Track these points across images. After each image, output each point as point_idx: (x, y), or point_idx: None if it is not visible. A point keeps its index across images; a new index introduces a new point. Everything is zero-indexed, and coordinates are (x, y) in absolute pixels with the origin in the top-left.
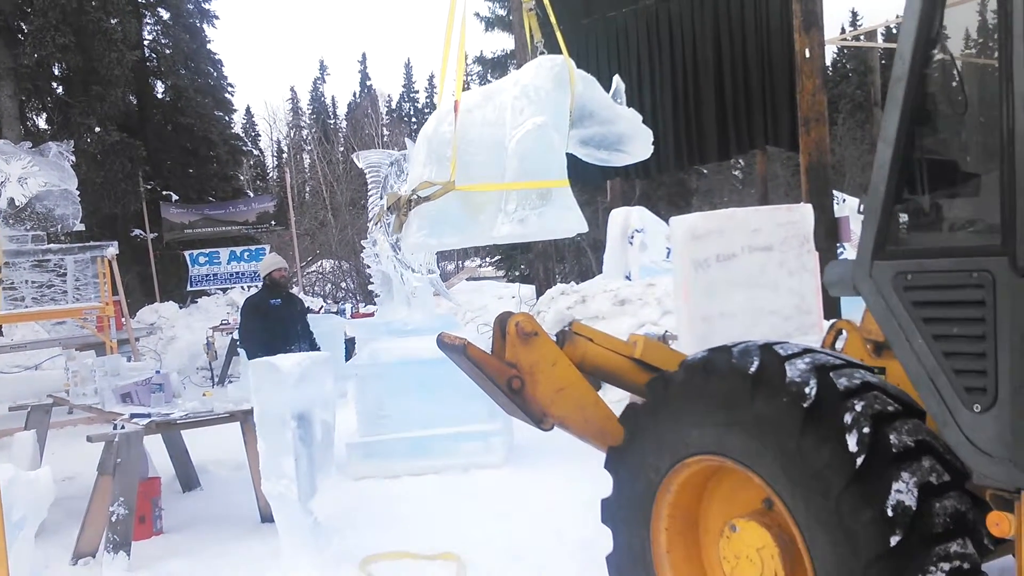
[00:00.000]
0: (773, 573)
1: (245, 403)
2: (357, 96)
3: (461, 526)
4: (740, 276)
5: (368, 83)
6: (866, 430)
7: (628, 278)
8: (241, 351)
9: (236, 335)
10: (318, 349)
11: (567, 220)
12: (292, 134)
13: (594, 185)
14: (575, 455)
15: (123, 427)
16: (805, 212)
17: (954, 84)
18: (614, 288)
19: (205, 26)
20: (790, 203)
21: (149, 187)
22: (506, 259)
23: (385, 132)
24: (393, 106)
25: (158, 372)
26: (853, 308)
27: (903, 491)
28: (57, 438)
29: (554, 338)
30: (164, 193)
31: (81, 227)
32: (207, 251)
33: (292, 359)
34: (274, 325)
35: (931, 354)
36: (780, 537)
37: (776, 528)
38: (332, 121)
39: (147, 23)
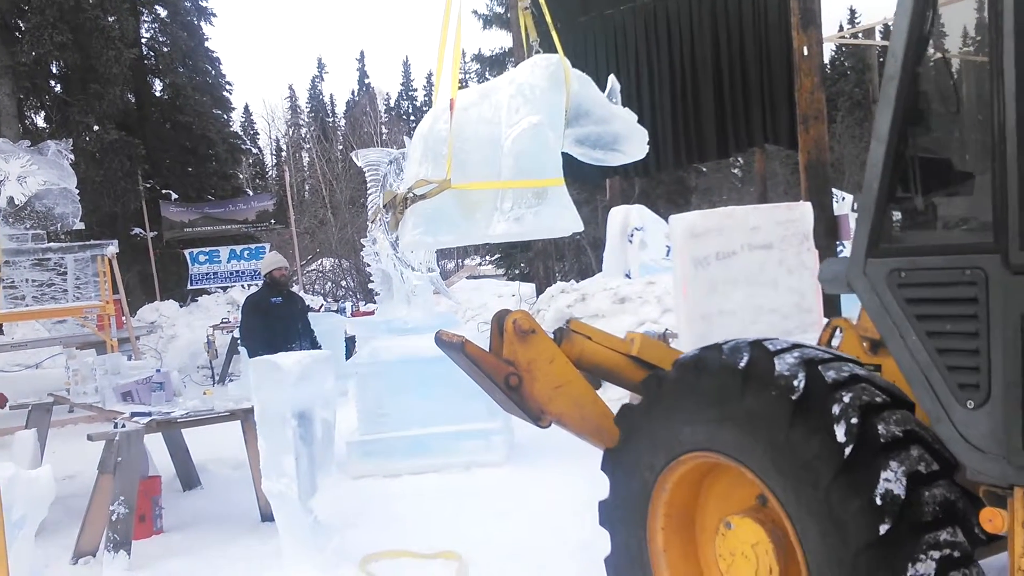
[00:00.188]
0: (768, 568)
1: (245, 402)
2: (355, 94)
3: (461, 525)
4: (740, 274)
5: (366, 81)
6: (854, 421)
7: (628, 276)
8: (242, 349)
9: (236, 333)
10: (319, 347)
11: (563, 219)
12: (291, 132)
13: (593, 183)
14: (576, 454)
15: (124, 426)
16: (804, 210)
17: (947, 82)
18: (614, 286)
19: (203, 24)
20: (789, 201)
21: (148, 185)
22: (506, 257)
23: (384, 130)
24: (391, 104)
25: (158, 371)
26: (853, 306)
27: (892, 480)
28: (58, 437)
29: (552, 336)
30: (163, 191)
31: (81, 226)
32: (207, 249)
33: (292, 357)
34: (275, 323)
35: (925, 351)
36: (774, 532)
37: (770, 524)
38: (331, 119)
39: (145, 21)
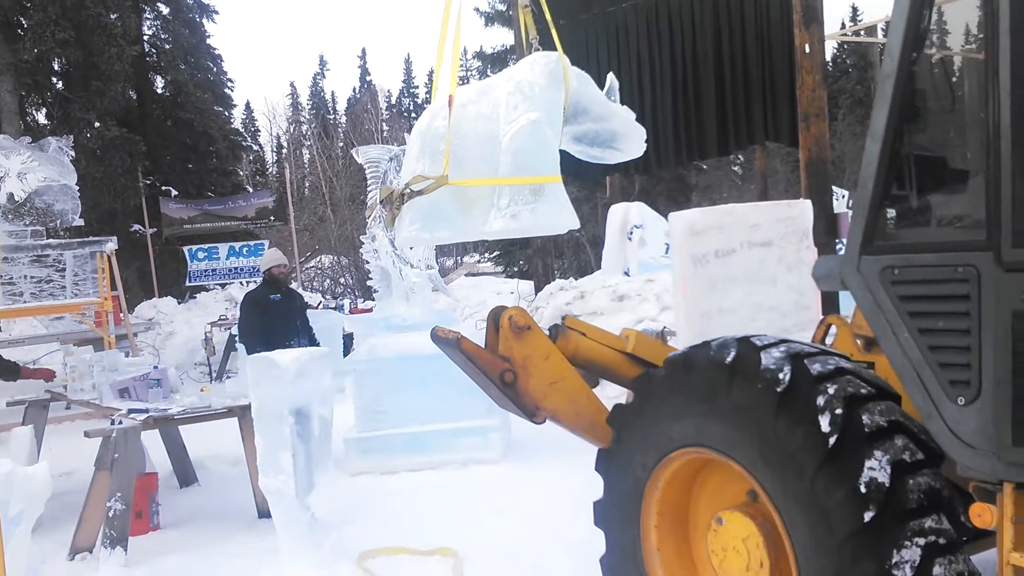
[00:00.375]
0: (759, 562)
1: (243, 398)
2: (357, 91)
3: (458, 522)
4: (739, 272)
5: (368, 78)
6: (839, 411)
7: (627, 274)
8: (239, 346)
9: (234, 330)
10: (317, 344)
11: (559, 216)
12: (291, 129)
13: (593, 181)
14: (572, 451)
15: (121, 422)
16: (804, 208)
17: (942, 81)
18: (613, 284)
19: (205, 21)
20: (789, 199)
21: (148, 182)
22: (505, 255)
23: (385, 127)
24: (393, 101)
25: (156, 367)
26: (851, 304)
27: (876, 469)
28: (54, 433)
29: (547, 332)
30: (163, 188)
31: (80, 222)
32: (206, 246)
33: (290, 354)
34: (274, 320)
35: (917, 347)
36: (764, 526)
37: (760, 518)
38: (332, 116)
39: (147, 18)
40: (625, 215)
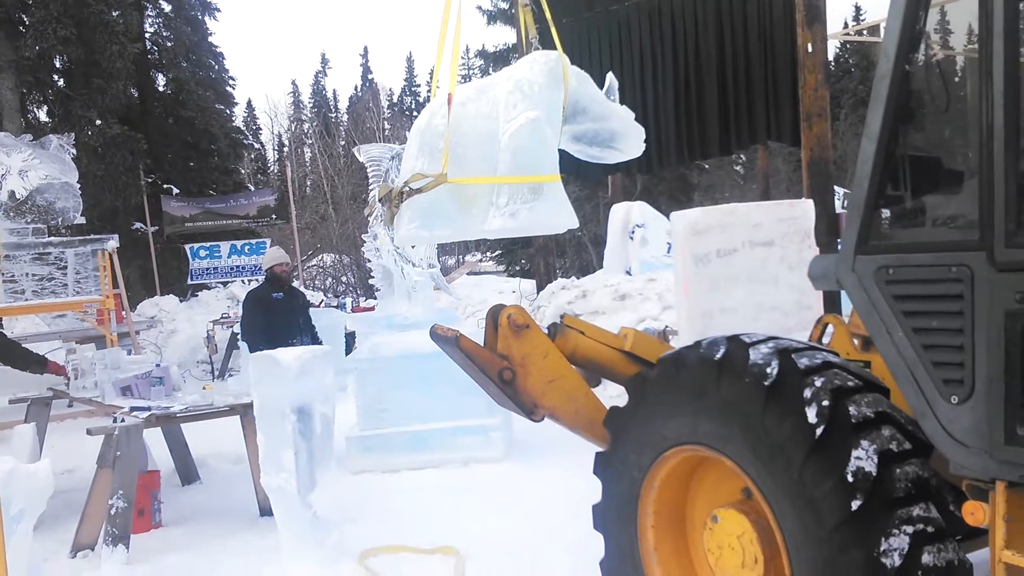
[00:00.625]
0: (753, 558)
1: (245, 396)
2: (359, 90)
3: (460, 520)
4: (741, 271)
5: (370, 77)
6: (825, 403)
7: (629, 273)
8: (241, 344)
9: (236, 329)
10: (320, 343)
11: (558, 215)
12: (293, 127)
13: (595, 180)
14: (575, 450)
15: (123, 420)
16: (806, 207)
17: (937, 82)
18: (614, 283)
19: (206, 19)
20: (791, 198)
21: (150, 180)
22: (507, 254)
23: (386, 126)
24: (395, 100)
25: (158, 365)
26: None
27: (863, 458)
28: (57, 431)
29: (546, 331)
30: (165, 186)
31: (82, 220)
32: (208, 244)
33: (292, 353)
34: (276, 318)
35: (911, 346)
36: (758, 522)
37: (754, 514)
38: (333, 115)
39: (148, 15)
40: (627, 214)
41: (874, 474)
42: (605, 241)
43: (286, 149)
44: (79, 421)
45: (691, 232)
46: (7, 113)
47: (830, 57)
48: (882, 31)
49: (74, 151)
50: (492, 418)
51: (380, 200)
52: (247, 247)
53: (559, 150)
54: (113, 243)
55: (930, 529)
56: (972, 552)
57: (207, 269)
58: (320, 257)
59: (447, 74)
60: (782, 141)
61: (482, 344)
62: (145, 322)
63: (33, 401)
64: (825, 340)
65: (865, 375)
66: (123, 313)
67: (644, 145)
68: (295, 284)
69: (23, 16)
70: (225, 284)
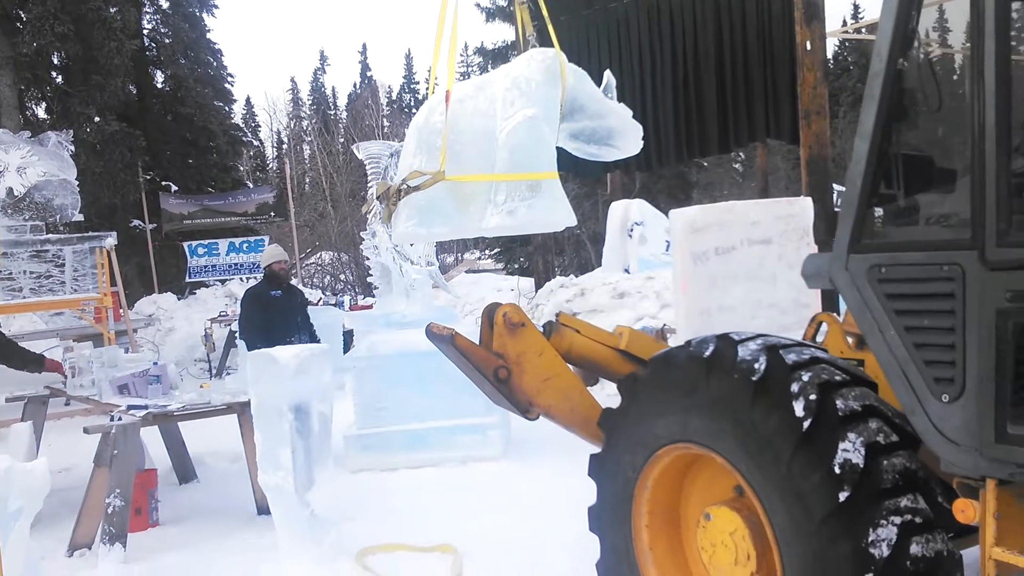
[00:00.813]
0: (746, 554)
1: (242, 395)
2: (357, 87)
3: (458, 519)
4: (739, 269)
5: (369, 74)
6: (812, 397)
7: (627, 271)
8: (239, 342)
9: (234, 327)
10: (318, 341)
11: (556, 213)
12: (292, 125)
13: (594, 178)
14: (572, 448)
15: (120, 419)
16: (805, 205)
17: (930, 81)
18: (613, 281)
19: (204, 15)
20: (790, 196)
21: (148, 177)
22: (505, 252)
23: (385, 123)
24: (394, 97)
25: (156, 363)
26: None
27: (850, 450)
28: (54, 429)
29: (541, 329)
30: (163, 183)
31: (80, 217)
32: (206, 242)
33: (290, 351)
34: (274, 316)
35: (902, 345)
36: (750, 519)
37: (746, 511)
38: (332, 112)
39: (146, 12)
40: (626, 212)
41: (861, 466)
42: (604, 239)
43: (285, 146)
44: (76, 419)
45: (689, 230)
46: (5, 110)
47: (829, 55)
48: None
49: (72, 148)
50: (490, 417)
51: (378, 198)
52: (245, 245)
53: (557, 148)
54: (111, 240)
55: (918, 520)
56: (963, 549)
57: (205, 267)
58: (319, 255)
59: (445, 71)
60: (781, 139)
61: (478, 342)
62: (143, 320)
63: (30, 399)
64: (819, 339)
65: (852, 370)
66: (121, 311)
67: (642, 143)
68: (293, 282)
69: (21, 12)
70: (223, 282)
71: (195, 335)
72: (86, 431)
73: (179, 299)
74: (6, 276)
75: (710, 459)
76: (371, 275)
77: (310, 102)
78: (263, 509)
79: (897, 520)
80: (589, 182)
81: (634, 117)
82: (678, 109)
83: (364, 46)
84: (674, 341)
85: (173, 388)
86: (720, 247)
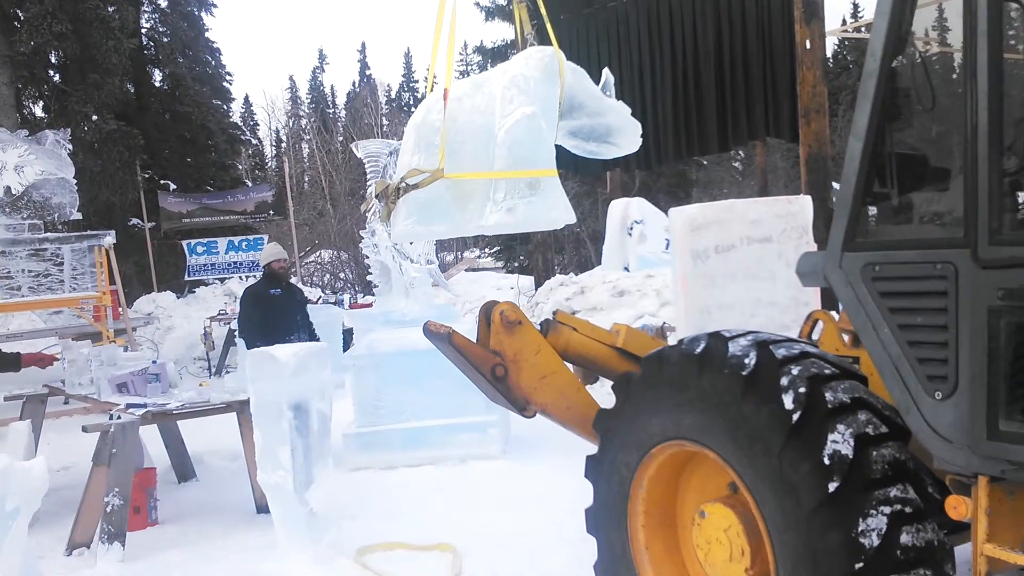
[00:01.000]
0: (740, 550)
1: (241, 393)
2: (356, 85)
3: (457, 517)
4: (738, 267)
5: (367, 72)
6: (802, 389)
7: (627, 269)
8: (238, 341)
9: (234, 325)
10: (317, 339)
11: (555, 210)
12: (291, 123)
13: (594, 176)
14: (571, 447)
15: (119, 417)
16: (804, 204)
17: (923, 80)
18: (613, 279)
19: (203, 14)
20: (789, 195)
21: (147, 176)
22: (505, 250)
23: (384, 122)
24: (392, 96)
25: (155, 362)
26: None
27: (839, 442)
28: (52, 428)
29: (538, 327)
30: (162, 182)
31: (78, 216)
32: (205, 240)
33: (289, 349)
34: (274, 315)
35: (896, 343)
36: (744, 515)
37: (740, 508)
38: (331, 110)
39: (144, 11)
40: (625, 210)
41: (851, 457)
42: (603, 237)
43: (284, 145)
44: (75, 418)
45: (689, 228)
46: (2, 109)
47: (828, 53)
48: None
49: (70, 147)
50: (489, 415)
51: (377, 196)
52: (244, 243)
53: (557, 146)
54: (110, 239)
55: (908, 510)
56: (955, 546)
57: (204, 265)
58: (318, 253)
59: (444, 70)
60: (780, 137)
61: (475, 340)
62: (142, 319)
63: (28, 398)
64: (815, 336)
65: (842, 363)
66: (120, 309)
67: (640, 140)
68: (293, 280)
69: (18, 11)
70: (222, 280)
71: (194, 334)
72: (85, 430)
73: (178, 298)
74: (5, 275)
75: (704, 457)
76: (370, 273)
77: (309, 101)
78: (262, 508)
79: (887, 510)
80: (589, 180)
81: (633, 115)
82: (677, 107)
83: (363, 45)
84: (673, 339)
85: (172, 387)
86: (720, 245)
